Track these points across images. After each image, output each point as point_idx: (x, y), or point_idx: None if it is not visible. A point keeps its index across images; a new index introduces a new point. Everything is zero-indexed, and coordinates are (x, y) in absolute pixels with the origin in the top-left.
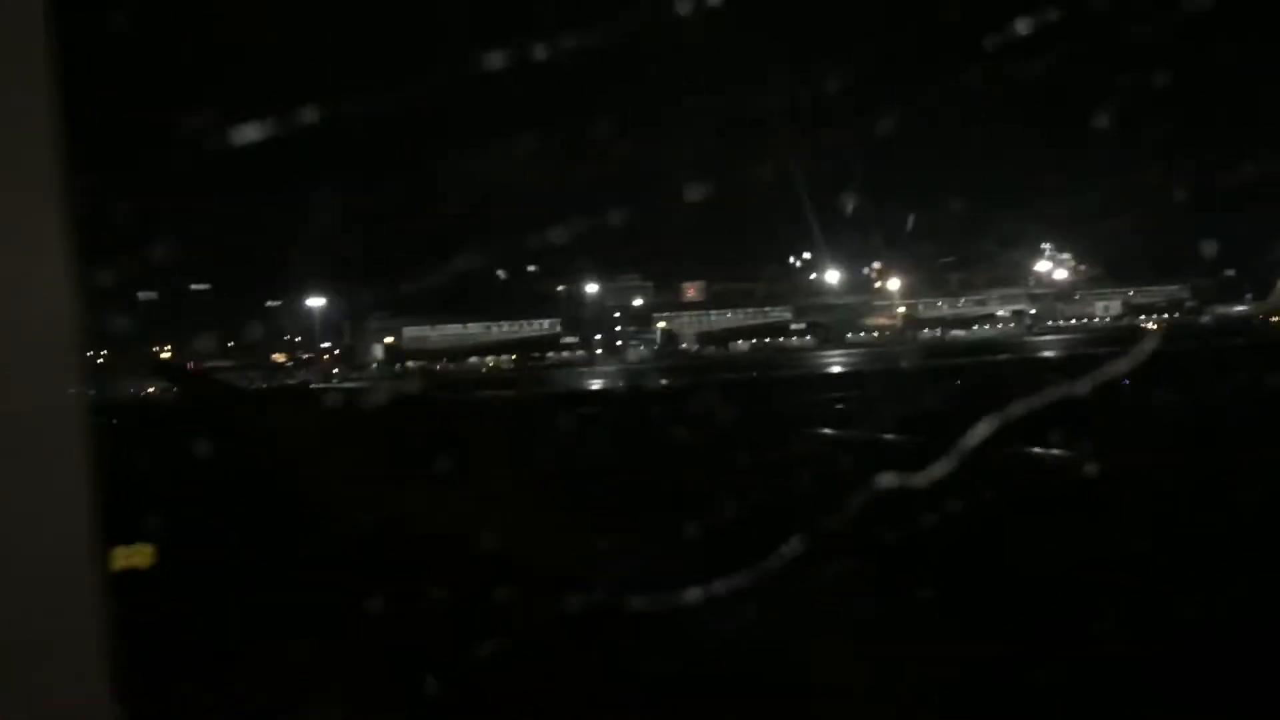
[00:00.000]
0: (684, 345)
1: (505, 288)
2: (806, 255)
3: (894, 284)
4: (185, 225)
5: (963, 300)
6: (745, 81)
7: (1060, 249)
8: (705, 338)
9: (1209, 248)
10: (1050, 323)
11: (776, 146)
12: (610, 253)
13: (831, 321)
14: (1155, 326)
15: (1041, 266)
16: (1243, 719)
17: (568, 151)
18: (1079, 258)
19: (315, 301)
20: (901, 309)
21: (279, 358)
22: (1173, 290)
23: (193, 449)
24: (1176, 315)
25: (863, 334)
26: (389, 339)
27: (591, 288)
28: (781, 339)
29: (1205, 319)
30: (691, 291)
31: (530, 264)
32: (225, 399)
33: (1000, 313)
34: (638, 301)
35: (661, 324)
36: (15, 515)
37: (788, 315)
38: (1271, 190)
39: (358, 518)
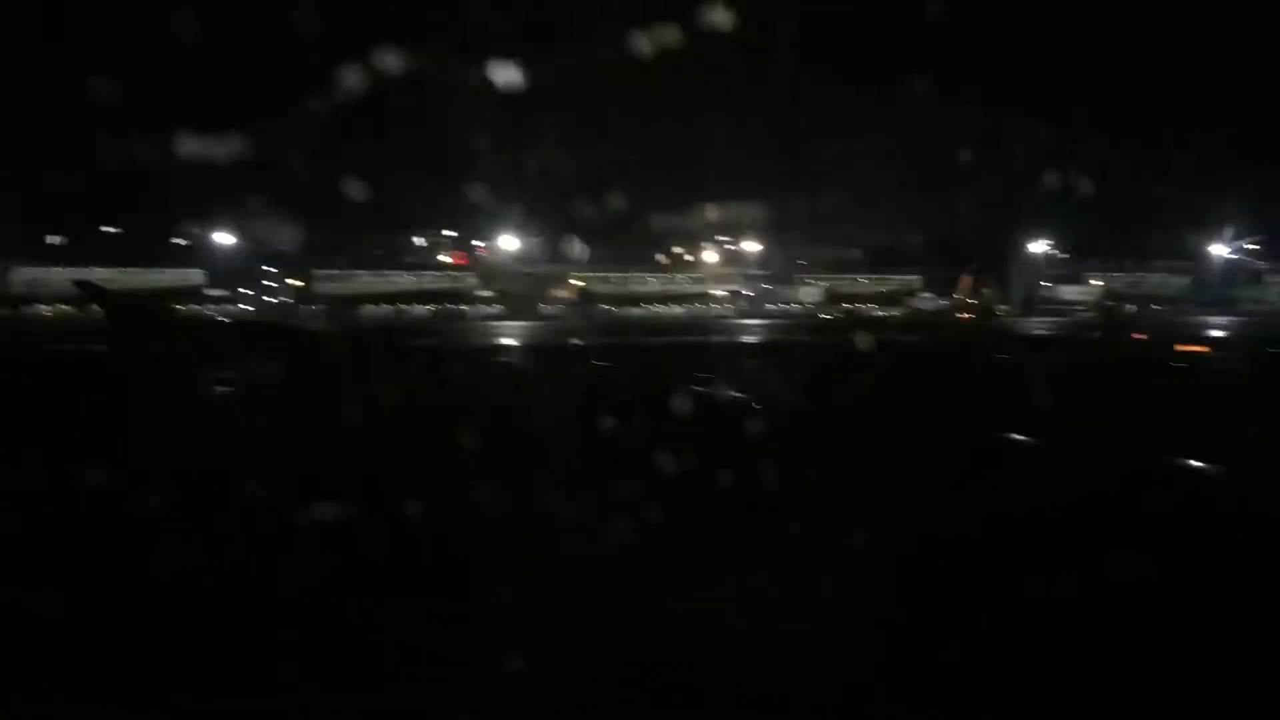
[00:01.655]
0: (317, 307)
1: (157, 234)
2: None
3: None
4: None
5: (680, 276)
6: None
7: (782, 230)
8: (345, 300)
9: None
10: (768, 306)
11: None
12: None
13: (521, 290)
14: (831, 318)
15: (750, 247)
16: None
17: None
18: (816, 241)
19: None
20: (578, 282)
21: None
22: (905, 280)
23: None
24: (871, 307)
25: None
26: None
27: (228, 238)
28: (465, 306)
29: (898, 311)
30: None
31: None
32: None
33: (716, 292)
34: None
35: (292, 281)
36: None
37: (473, 281)
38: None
39: None
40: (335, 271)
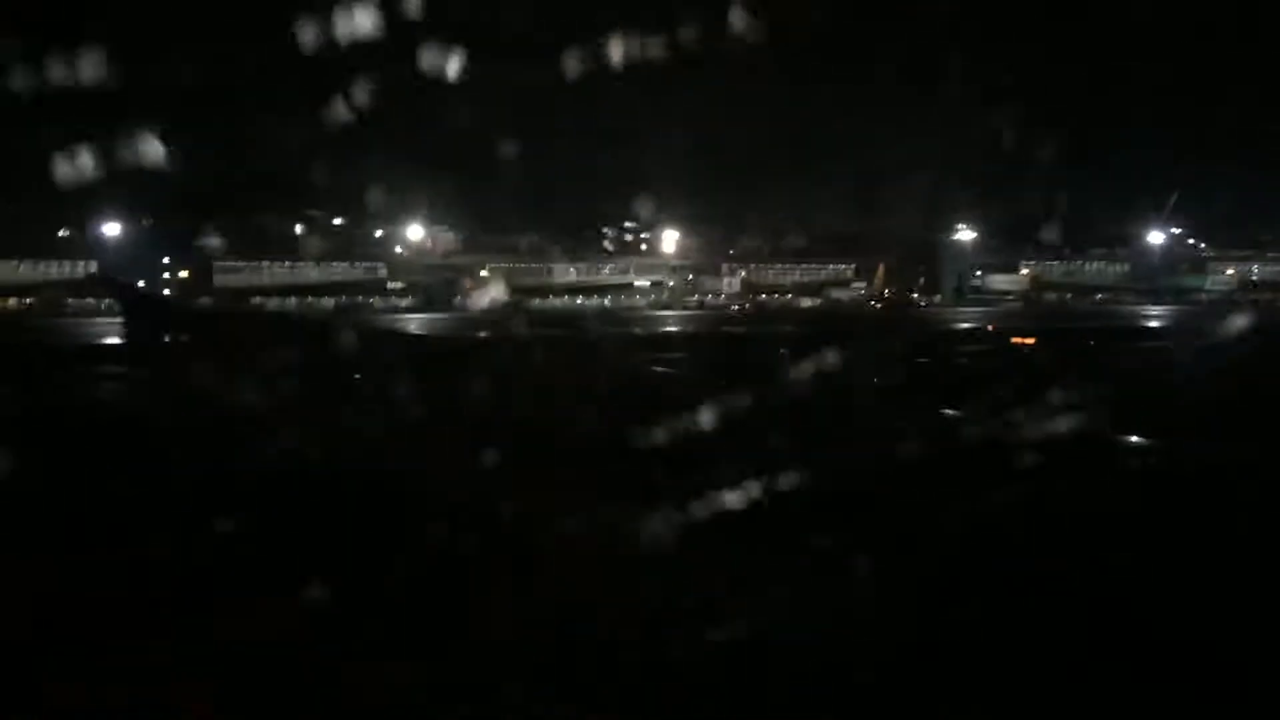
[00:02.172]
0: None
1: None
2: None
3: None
4: None
5: (604, 266)
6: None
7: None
8: (240, 293)
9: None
10: (693, 298)
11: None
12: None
13: (434, 283)
14: (740, 308)
15: (669, 237)
16: None
17: None
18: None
19: None
20: (485, 273)
21: None
22: (838, 269)
23: None
24: (788, 297)
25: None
26: None
27: (119, 229)
28: (375, 299)
29: (815, 301)
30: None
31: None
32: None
33: (640, 283)
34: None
35: (182, 273)
36: None
37: (384, 273)
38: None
39: None
40: (237, 263)
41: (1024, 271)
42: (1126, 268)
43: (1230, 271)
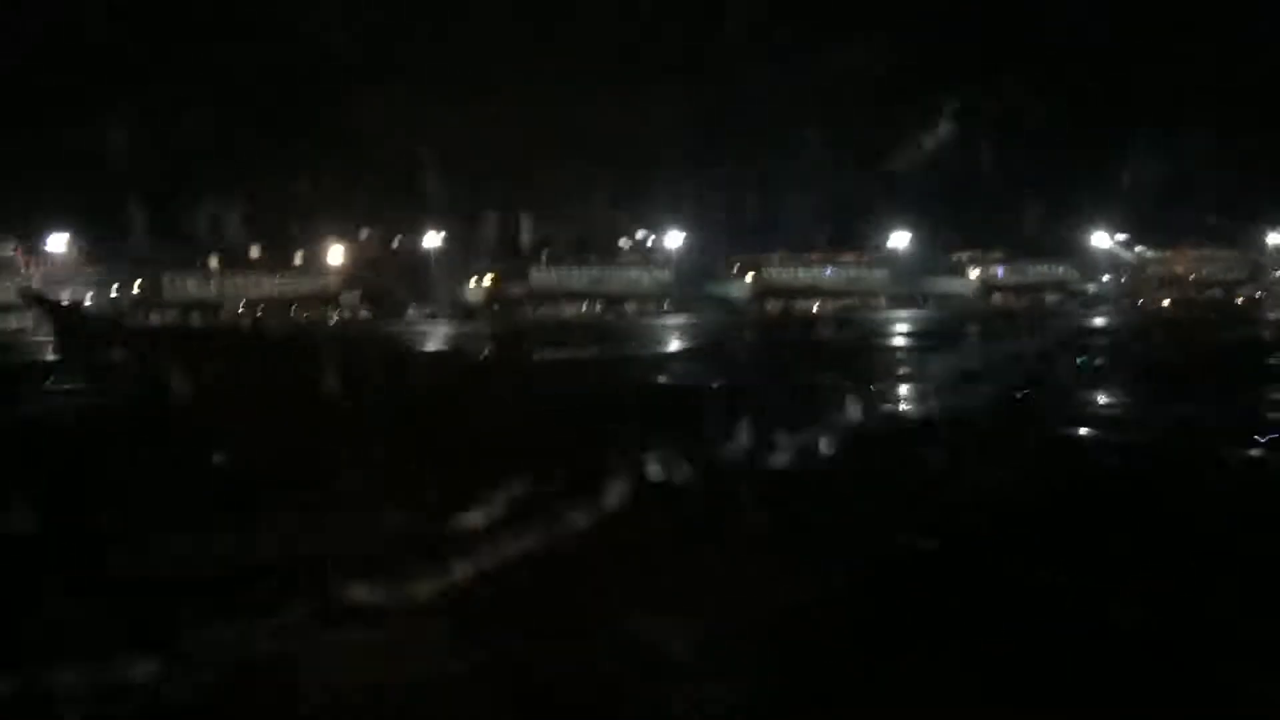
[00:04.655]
0: None
1: None
2: None
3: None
4: None
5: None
6: None
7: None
8: None
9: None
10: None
11: None
12: None
13: None
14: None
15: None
16: None
17: None
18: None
19: None
20: None
21: None
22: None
23: None
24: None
25: None
26: None
27: None
28: None
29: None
30: None
31: None
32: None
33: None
34: None
35: None
36: None
37: None
38: None
39: None
40: None
41: (485, 281)
42: (663, 275)
43: (748, 279)
